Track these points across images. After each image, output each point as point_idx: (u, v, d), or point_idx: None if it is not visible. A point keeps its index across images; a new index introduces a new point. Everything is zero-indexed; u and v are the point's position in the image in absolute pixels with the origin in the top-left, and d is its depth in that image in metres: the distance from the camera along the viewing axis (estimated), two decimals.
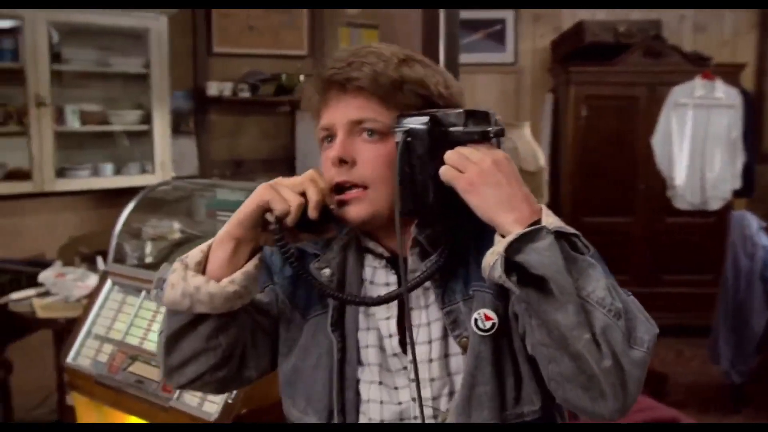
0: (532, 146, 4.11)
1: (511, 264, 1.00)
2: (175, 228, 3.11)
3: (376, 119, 1.12)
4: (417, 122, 1.08)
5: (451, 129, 1.08)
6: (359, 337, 1.19)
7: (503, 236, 1.03)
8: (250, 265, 1.12)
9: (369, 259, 1.21)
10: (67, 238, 4.22)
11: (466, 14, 4.90)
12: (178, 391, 2.07)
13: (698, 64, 5.20)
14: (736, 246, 3.99)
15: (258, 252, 1.14)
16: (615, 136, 5.35)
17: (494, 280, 1.03)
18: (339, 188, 1.13)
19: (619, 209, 5.35)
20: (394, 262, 1.17)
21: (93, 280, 3.33)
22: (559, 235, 1.01)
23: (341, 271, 1.19)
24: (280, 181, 1.12)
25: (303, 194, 1.10)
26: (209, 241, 1.15)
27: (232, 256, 1.11)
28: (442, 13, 2.58)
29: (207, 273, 1.12)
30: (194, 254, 1.14)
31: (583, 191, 5.42)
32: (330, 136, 1.15)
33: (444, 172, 1.07)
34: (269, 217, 1.10)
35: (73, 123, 4.09)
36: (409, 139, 1.08)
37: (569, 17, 5.77)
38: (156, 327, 2.27)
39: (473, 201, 1.05)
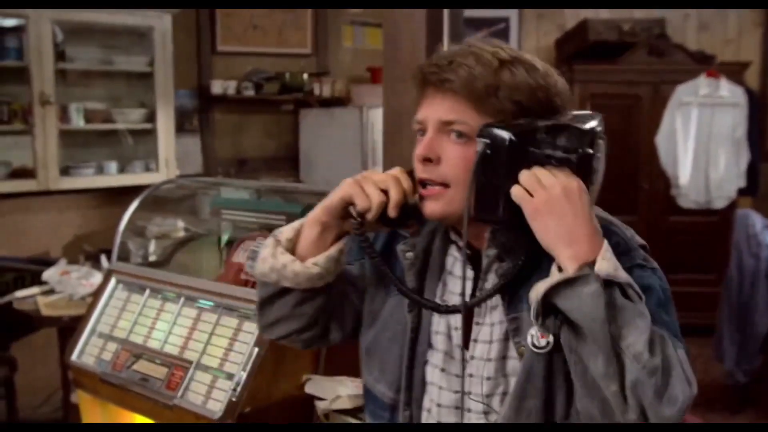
0: None
1: (550, 305, 1.04)
2: (179, 226, 3.12)
3: (466, 122, 1.13)
4: (501, 135, 1.09)
5: (532, 148, 1.09)
6: (432, 322, 1.25)
7: (559, 268, 1.05)
8: (333, 250, 1.21)
9: (452, 249, 1.25)
10: (72, 237, 4.24)
11: (469, 13, 4.89)
12: (182, 390, 2.07)
13: (702, 63, 5.19)
14: (741, 245, 3.99)
15: (343, 237, 1.23)
16: (619, 135, 5.32)
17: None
18: (423, 183, 1.18)
19: (622, 208, 5.31)
20: (473, 258, 1.19)
21: (97, 278, 3.34)
22: (608, 282, 1.01)
23: (425, 255, 1.26)
24: (367, 175, 1.19)
25: (386, 191, 1.16)
26: (302, 220, 1.25)
27: (319, 238, 1.21)
28: (446, 13, 2.57)
29: (297, 250, 1.23)
30: (287, 231, 1.25)
31: None
32: (422, 130, 1.18)
33: (515, 191, 1.09)
34: (352, 210, 1.18)
35: (78, 121, 4.10)
36: (488, 151, 1.09)
37: (573, 16, 5.76)
38: (159, 325, 2.27)
39: (535, 227, 1.07)
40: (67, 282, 3.55)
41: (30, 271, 3.85)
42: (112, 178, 4.22)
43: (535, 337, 1.08)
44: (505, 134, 1.08)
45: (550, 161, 1.08)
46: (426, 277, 1.26)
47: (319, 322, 1.30)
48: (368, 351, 1.32)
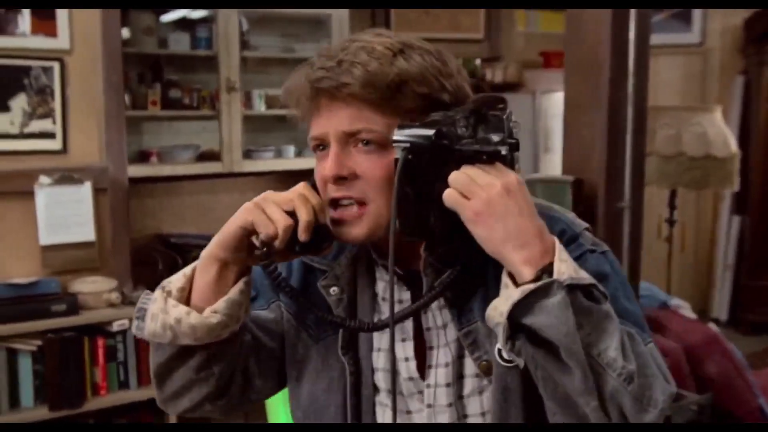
0: (723, 131, 3.87)
1: (516, 325, 0.90)
2: None
3: (371, 129, 0.98)
4: (419, 136, 0.93)
5: (457, 146, 0.94)
6: (373, 359, 1.09)
7: (510, 275, 0.92)
8: (234, 292, 1.01)
9: (381, 273, 1.08)
10: None
11: None
12: None
13: None
14: None
15: (246, 274, 1.03)
16: None
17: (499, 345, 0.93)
18: (335, 202, 1.02)
19: None
20: (407, 278, 1.05)
21: None
22: (572, 287, 0.88)
23: (351, 287, 1.09)
24: (268, 196, 1.01)
25: (292, 213, 0.99)
26: (193, 264, 1.04)
27: (217, 280, 1.01)
28: None
29: (191, 300, 1.02)
30: (176, 279, 1.04)
31: None
32: (322, 146, 1.03)
33: (448, 196, 0.93)
34: (255, 240, 0.99)
35: (259, 107, 4.29)
36: (410, 156, 0.93)
37: None
38: None
39: (479, 233, 0.92)
40: None
41: None
42: (290, 161, 4.38)
43: (505, 350, 0.93)
44: (425, 132, 0.93)
45: (480, 157, 0.93)
46: (357, 311, 1.08)
47: (234, 382, 1.08)
48: (305, 412, 1.12)
